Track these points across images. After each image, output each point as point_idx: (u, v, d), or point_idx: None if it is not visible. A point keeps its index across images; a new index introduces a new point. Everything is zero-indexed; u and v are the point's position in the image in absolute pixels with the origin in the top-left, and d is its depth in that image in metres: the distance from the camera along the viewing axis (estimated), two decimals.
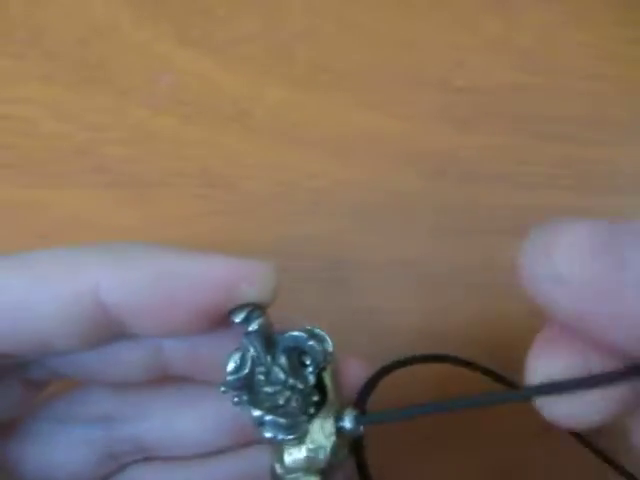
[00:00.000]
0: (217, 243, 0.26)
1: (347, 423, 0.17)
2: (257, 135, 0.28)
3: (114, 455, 0.19)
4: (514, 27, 0.30)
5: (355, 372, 0.18)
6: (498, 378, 0.20)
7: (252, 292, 0.17)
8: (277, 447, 0.17)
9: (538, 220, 0.29)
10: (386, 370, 0.19)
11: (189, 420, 0.19)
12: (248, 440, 0.19)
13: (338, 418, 0.17)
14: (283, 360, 0.17)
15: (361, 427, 0.17)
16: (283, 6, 0.30)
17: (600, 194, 0.27)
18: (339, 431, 0.17)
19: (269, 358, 0.17)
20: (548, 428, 0.15)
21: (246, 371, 0.17)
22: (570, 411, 0.14)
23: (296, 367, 0.17)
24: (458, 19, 0.30)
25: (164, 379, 0.19)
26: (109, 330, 0.17)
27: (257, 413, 0.17)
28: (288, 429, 0.17)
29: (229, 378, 0.17)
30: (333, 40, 0.30)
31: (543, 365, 0.14)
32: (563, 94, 0.29)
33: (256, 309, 0.17)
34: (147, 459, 0.20)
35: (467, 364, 0.19)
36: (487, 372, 0.20)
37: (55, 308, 0.16)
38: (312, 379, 0.17)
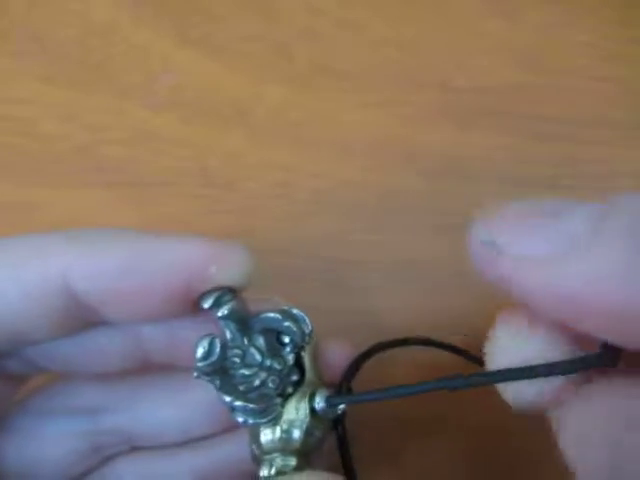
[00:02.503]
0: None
1: (319, 403, 0.17)
2: (257, 135, 0.28)
3: (99, 447, 0.19)
4: (514, 27, 0.30)
5: (339, 354, 0.18)
6: (470, 358, 0.20)
7: (222, 275, 0.16)
8: (254, 428, 0.17)
9: None
10: (368, 353, 0.19)
11: (173, 408, 0.19)
12: (233, 426, 0.19)
13: (311, 398, 0.17)
14: (260, 341, 0.17)
15: (339, 407, 0.17)
16: (283, 6, 0.30)
17: (600, 194, 0.27)
18: (313, 411, 0.17)
19: (245, 340, 0.17)
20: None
21: (215, 356, 0.17)
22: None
23: (274, 348, 0.18)
24: (458, 19, 0.30)
25: (146, 368, 0.19)
26: (81, 317, 0.17)
27: (227, 399, 0.17)
28: (259, 413, 0.17)
29: (199, 364, 0.17)
30: (333, 40, 0.30)
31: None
32: (563, 94, 0.29)
33: (226, 293, 0.17)
34: (133, 449, 0.20)
35: (441, 345, 0.20)
36: (458, 351, 0.20)
37: (22, 294, 0.16)
38: (291, 359, 0.17)
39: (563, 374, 0.13)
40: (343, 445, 0.18)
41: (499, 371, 0.14)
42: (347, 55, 0.29)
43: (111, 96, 0.28)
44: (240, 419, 0.17)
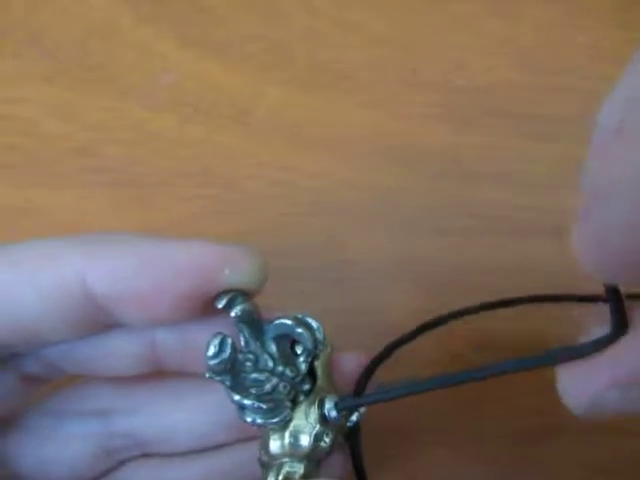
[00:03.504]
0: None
1: (329, 410, 0.17)
2: (257, 135, 0.28)
3: (111, 451, 0.19)
4: (514, 27, 0.30)
5: (353, 363, 0.19)
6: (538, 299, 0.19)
7: (235, 277, 0.17)
8: (263, 434, 0.17)
9: (538, 220, 0.29)
10: (380, 358, 0.19)
11: (186, 414, 0.19)
12: (246, 434, 0.19)
13: (321, 405, 0.17)
14: (273, 347, 0.17)
15: (351, 419, 0.17)
16: (283, 6, 0.30)
17: None
18: (323, 418, 0.17)
19: (258, 344, 0.17)
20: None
21: (226, 355, 0.17)
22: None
23: (288, 355, 0.18)
24: (458, 19, 0.30)
25: (160, 373, 0.19)
26: (97, 319, 0.17)
27: (236, 397, 0.17)
28: (268, 413, 0.17)
29: (210, 363, 0.17)
30: (333, 40, 0.30)
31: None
32: (563, 94, 0.29)
33: (239, 295, 0.17)
34: (144, 455, 0.20)
35: (465, 312, 0.19)
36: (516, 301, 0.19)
37: (40, 298, 0.16)
38: (304, 367, 0.17)
39: (581, 357, 0.13)
40: (356, 456, 0.18)
41: (507, 361, 0.14)
42: (347, 55, 0.29)
43: (111, 96, 0.28)
44: (249, 418, 0.17)
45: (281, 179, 0.27)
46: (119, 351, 0.18)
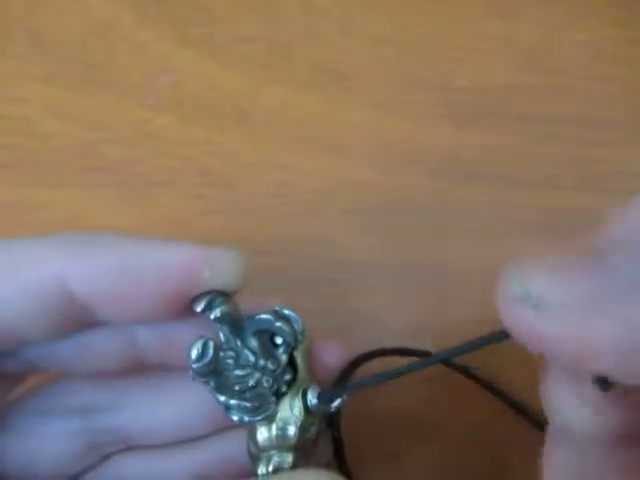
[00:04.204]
0: (217, 243, 0.26)
1: (311, 400, 0.17)
2: (257, 135, 0.28)
3: (95, 446, 0.19)
4: (514, 27, 0.30)
5: (333, 355, 0.19)
6: (449, 364, 0.22)
7: (215, 279, 0.17)
8: (250, 427, 0.18)
9: (538, 220, 0.29)
10: (363, 358, 0.19)
11: (169, 407, 0.19)
12: (230, 424, 0.19)
13: (304, 395, 0.18)
14: (253, 342, 0.18)
15: (332, 405, 0.18)
16: (283, 6, 0.30)
17: (600, 194, 0.27)
18: (307, 409, 0.18)
19: (238, 342, 0.18)
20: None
21: (209, 358, 0.17)
22: None
23: (268, 348, 0.18)
24: (458, 19, 0.30)
25: (142, 368, 0.19)
26: (77, 318, 0.17)
27: (222, 398, 0.17)
28: (254, 411, 0.17)
29: (194, 366, 0.17)
30: (333, 40, 0.30)
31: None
32: (563, 94, 0.29)
33: (218, 296, 0.17)
34: (129, 448, 0.20)
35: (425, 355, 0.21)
36: (442, 361, 0.21)
37: (21, 297, 0.16)
38: (284, 359, 0.18)
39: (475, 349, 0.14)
40: (337, 442, 0.19)
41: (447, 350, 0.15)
42: (347, 55, 0.29)
43: (111, 96, 0.28)
44: (235, 417, 0.17)
45: (280, 179, 0.27)
46: (99, 348, 0.18)
